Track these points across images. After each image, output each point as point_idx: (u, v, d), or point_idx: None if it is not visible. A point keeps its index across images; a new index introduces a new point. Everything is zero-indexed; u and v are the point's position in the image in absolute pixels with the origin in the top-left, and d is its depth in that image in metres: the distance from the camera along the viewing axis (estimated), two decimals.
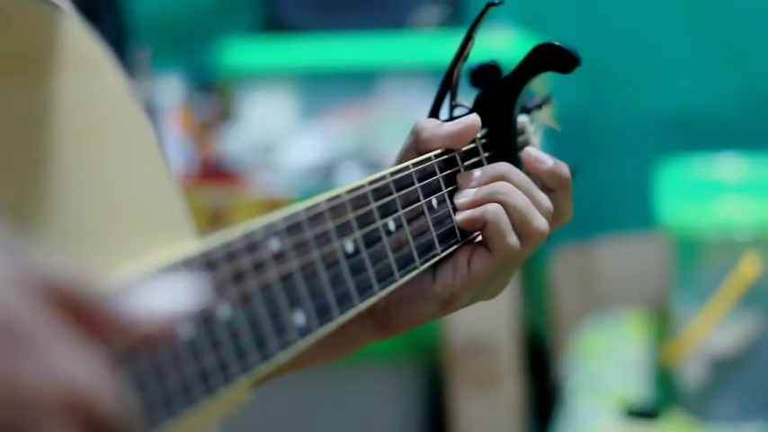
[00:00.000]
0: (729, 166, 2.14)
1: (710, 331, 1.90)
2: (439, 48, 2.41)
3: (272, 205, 0.58)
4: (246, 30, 2.60)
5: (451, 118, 0.81)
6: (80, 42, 0.57)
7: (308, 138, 2.41)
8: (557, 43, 0.78)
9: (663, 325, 2.18)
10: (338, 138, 2.40)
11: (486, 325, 2.29)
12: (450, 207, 0.77)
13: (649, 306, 2.34)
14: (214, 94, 2.53)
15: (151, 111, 2.33)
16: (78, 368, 0.47)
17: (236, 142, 2.44)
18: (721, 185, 2.08)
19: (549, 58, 0.78)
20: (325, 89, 2.48)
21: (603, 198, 2.48)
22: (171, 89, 2.46)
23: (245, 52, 2.49)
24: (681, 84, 2.48)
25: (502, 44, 2.21)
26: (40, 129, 0.55)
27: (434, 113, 0.82)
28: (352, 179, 0.69)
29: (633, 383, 2.06)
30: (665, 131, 2.48)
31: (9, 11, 0.55)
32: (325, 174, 2.31)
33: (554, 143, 0.90)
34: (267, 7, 2.61)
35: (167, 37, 2.58)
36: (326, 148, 2.37)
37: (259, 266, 0.60)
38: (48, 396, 0.46)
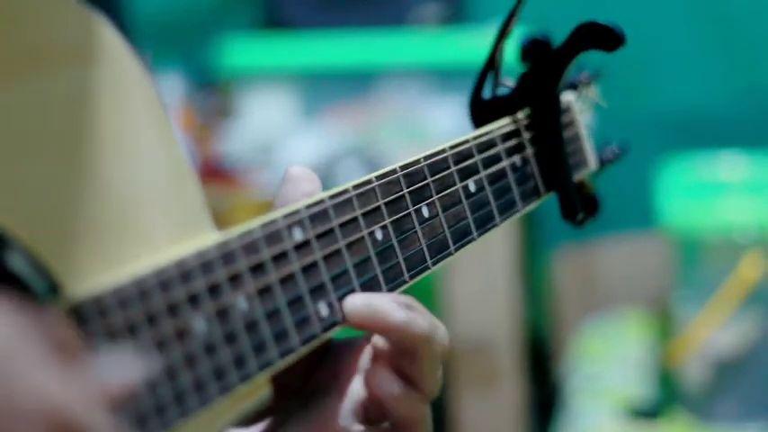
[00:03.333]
0: (730, 166, 2.14)
1: (712, 331, 1.89)
2: (439, 46, 2.40)
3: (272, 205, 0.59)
4: (246, 29, 2.60)
5: (495, 97, 0.79)
6: (109, 39, 0.57)
7: (307, 137, 2.41)
8: (601, 21, 0.77)
9: (664, 325, 2.17)
10: (338, 137, 2.40)
11: (486, 325, 2.28)
12: (489, 190, 0.73)
13: (650, 306, 2.33)
14: (214, 94, 2.53)
15: None
16: (64, 389, 0.48)
17: (236, 142, 2.43)
18: (722, 185, 2.08)
19: (592, 36, 0.76)
20: (325, 88, 2.48)
21: (604, 198, 2.48)
22: (171, 89, 2.45)
23: (245, 51, 2.48)
24: (681, 83, 2.47)
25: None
26: (69, 119, 0.55)
27: (477, 93, 0.79)
28: (352, 178, 0.67)
29: (634, 384, 2.06)
30: (666, 131, 2.48)
31: (49, 9, 0.55)
32: (326, 173, 2.30)
33: (603, 120, 0.87)
34: (267, 6, 2.60)
35: (167, 37, 2.58)
36: (326, 147, 2.37)
37: (280, 257, 0.59)
38: (32, 412, 0.46)
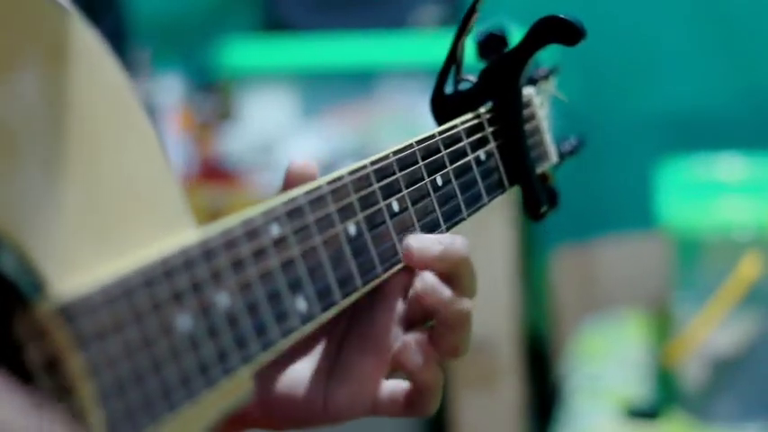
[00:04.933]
0: (729, 166, 2.14)
1: (711, 331, 1.89)
2: (438, 47, 2.40)
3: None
4: (246, 29, 2.60)
5: (456, 92, 0.80)
6: (83, 38, 0.57)
7: (308, 138, 2.41)
8: (561, 16, 0.77)
9: (663, 325, 2.17)
10: (338, 138, 2.40)
11: (486, 325, 2.28)
12: (455, 184, 0.75)
13: (649, 306, 2.33)
14: (214, 94, 2.53)
15: (151, 111, 2.33)
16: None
17: (236, 142, 2.44)
18: (721, 185, 2.08)
19: (553, 30, 0.77)
20: (325, 89, 2.48)
21: (603, 198, 2.48)
22: (171, 89, 2.45)
23: (245, 52, 2.49)
24: (681, 84, 2.48)
25: None
26: (48, 118, 0.55)
27: (439, 88, 0.80)
28: None
29: (633, 383, 2.06)
30: (665, 131, 2.48)
31: (22, 7, 0.55)
32: (326, 174, 2.30)
33: (562, 113, 0.88)
34: (267, 7, 2.60)
35: (167, 37, 2.58)
36: (326, 147, 2.37)
37: (259, 253, 0.60)
38: None
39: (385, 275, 0.69)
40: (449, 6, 2.52)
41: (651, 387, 2.04)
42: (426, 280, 0.68)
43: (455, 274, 0.70)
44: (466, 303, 0.70)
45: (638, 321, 2.31)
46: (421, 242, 0.69)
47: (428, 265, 0.69)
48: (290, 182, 0.70)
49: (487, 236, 2.22)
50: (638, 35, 2.46)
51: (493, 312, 2.28)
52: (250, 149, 2.41)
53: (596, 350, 2.23)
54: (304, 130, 2.45)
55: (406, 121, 2.39)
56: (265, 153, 2.40)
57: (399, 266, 0.70)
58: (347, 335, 0.71)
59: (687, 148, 2.30)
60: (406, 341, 0.70)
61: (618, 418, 1.96)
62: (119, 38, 2.38)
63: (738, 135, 2.41)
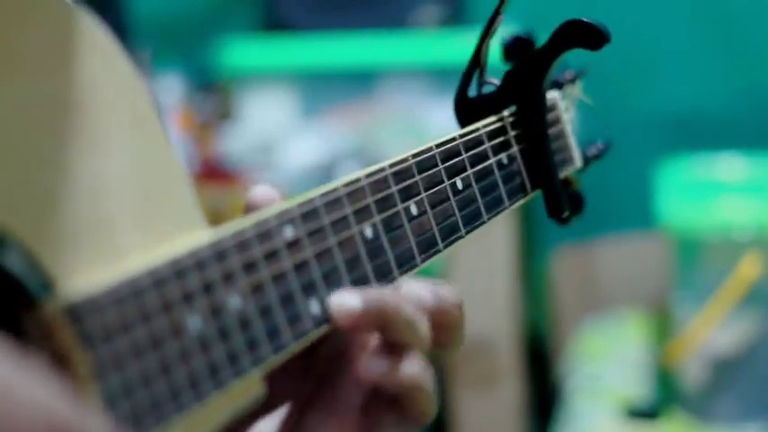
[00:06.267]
0: (729, 166, 2.14)
1: (711, 331, 1.89)
2: (439, 47, 2.41)
3: None
4: (246, 29, 2.60)
5: (480, 95, 0.80)
6: (94, 35, 0.57)
7: (308, 138, 2.41)
8: (585, 20, 0.77)
9: (663, 325, 2.18)
10: (338, 138, 2.40)
11: (486, 325, 2.29)
12: (476, 188, 0.74)
13: (649, 306, 2.33)
14: (214, 94, 2.53)
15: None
16: (55, 398, 0.48)
17: (236, 142, 2.44)
18: (721, 185, 2.08)
19: (577, 34, 0.76)
20: (325, 89, 2.48)
21: (603, 198, 2.48)
22: (171, 89, 2.46)
23: (245, 52, 2.49)
24: (681, 84, 2.48)
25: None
26: (58, 117, 0.55)
27: (462, 91, 0.80)
28: None
29: (633, 383, 2.06)
30: (665, 131, 2.48)
31: (30, 5, 0.55)
32: (326, 174, 2.31)
33: (588, 117, 0.87)
34: (267, 7, 2.60)
35: (167, 37, 2.58)
36: (326, 147, 2.37)
37: (272, 255, 0.59)
38: (30, 425, 0.46)
39: (401, 278, 0.67)
40: (449, 6, 2.52)
41: (651, 387, 2.04)
42: (364, 359, 0.62)
43: (389, 330, 0.63)
44: (409, 368, 0.63)
45: (638, 321, 2.31)
46: (339, 300, 0.62)
47: (355, 325, 0.62)
48: (251, 208, 0.66)
49: (487, 236, 2.22)
50: (638, 35, 2.46)
51: (493, 312, 2.28)
52: (250, 149, 2.41)
53: (596, 350, 2.23)
54: (304, 130, 2.45)
55: (407, 121, 2.39)
56: (265, 153, 2.40)
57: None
58: (309, 398, 0.66)
59: (687, 148, 2.30)
60: (370, 411, 0.65)
61: (618, 418, 1.96)
62: (119, 38, 2.38)
63: (738, 135, 2.41)
